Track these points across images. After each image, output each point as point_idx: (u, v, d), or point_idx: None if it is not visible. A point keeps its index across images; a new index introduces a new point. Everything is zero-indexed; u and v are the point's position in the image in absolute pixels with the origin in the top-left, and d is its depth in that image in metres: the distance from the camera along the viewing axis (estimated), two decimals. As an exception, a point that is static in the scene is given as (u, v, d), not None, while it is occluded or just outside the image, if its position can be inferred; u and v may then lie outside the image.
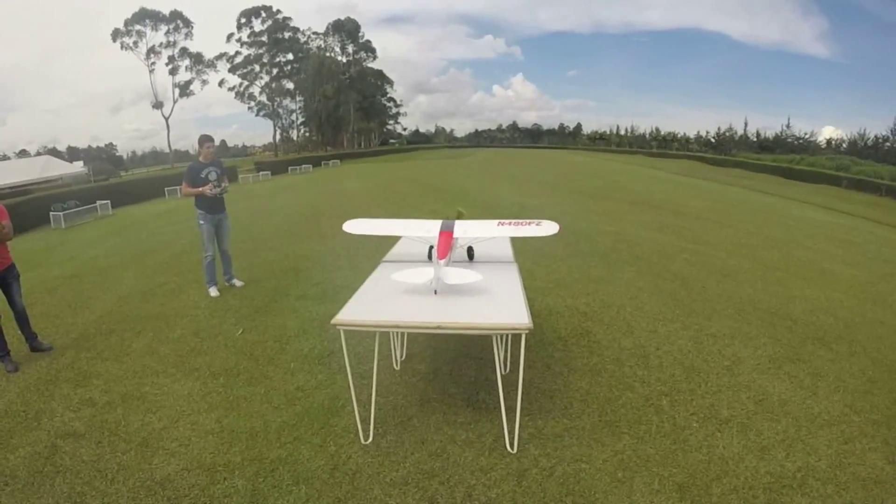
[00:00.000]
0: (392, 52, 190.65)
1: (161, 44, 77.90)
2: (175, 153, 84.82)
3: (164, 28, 77.68)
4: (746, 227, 13.74)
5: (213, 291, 7.46)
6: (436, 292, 3.66)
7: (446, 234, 4.28)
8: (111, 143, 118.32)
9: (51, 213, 20.57)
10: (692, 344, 5.36)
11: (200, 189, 7.07)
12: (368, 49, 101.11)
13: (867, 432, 3.90)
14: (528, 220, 4.77)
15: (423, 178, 28.92)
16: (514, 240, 5.20)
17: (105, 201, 23.76)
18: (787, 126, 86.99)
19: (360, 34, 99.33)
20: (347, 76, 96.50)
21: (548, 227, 4.62)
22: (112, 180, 41.89)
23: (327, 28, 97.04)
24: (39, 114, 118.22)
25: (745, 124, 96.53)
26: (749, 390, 4.43)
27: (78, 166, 54.24)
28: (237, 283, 7.83)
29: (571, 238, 10.71)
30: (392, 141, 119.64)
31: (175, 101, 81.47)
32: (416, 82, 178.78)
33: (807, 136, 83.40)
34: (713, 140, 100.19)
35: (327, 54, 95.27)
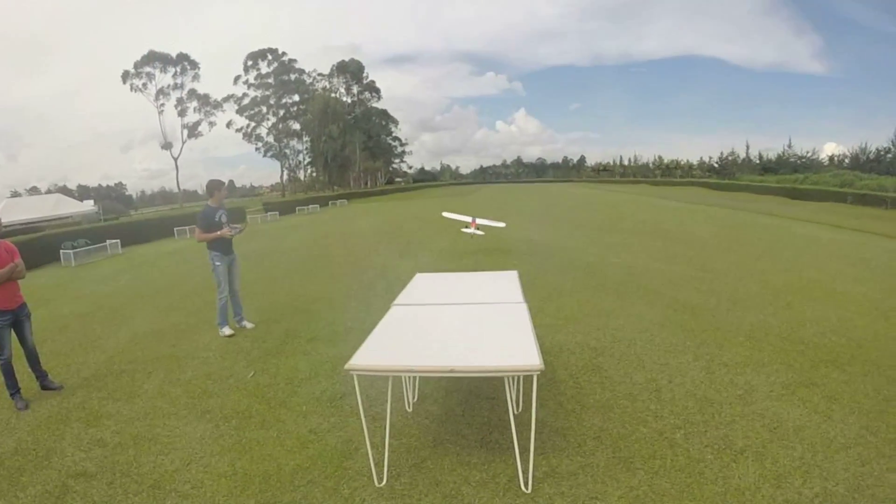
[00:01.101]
0: (396, 91, 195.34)
1: (169, 85, 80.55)
2: (184, 193, 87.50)
3: (172, 70, 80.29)
4: (754, 252, 13.77)
5: (227, 331, 7.60)
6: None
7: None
8: (121, 183, 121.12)
9: (61, 251, 20.95)
10: (704, 374, 5.39)
11: (219, 233, 7.40)
12: (373, 89, 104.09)
13: (885, 453, 3.90)
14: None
15: (429, 217, 29.16)
16: (524, 277, 5.30)
17: (115, 240, 24.12)
18: (789, 146, 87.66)
19: (365, 75, 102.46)
20: (353, 116, 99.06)
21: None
22: (122, 219, 42.43)
23: (332, 69, 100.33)
24: (51, 151, 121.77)
25: (747, 147, 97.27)
26: (763, 418, 4.45)
27: (88, 205, 56.04)
28: (248, 324, 7.95)
29: (580, 272, 10.80)
30: (398, 179, 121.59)
31: (184, 142, 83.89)
32: (420, 121, 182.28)
33: (809, 155, 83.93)
34: (716, 165, 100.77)
35: (332, 95, 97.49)
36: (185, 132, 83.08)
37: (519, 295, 4.90)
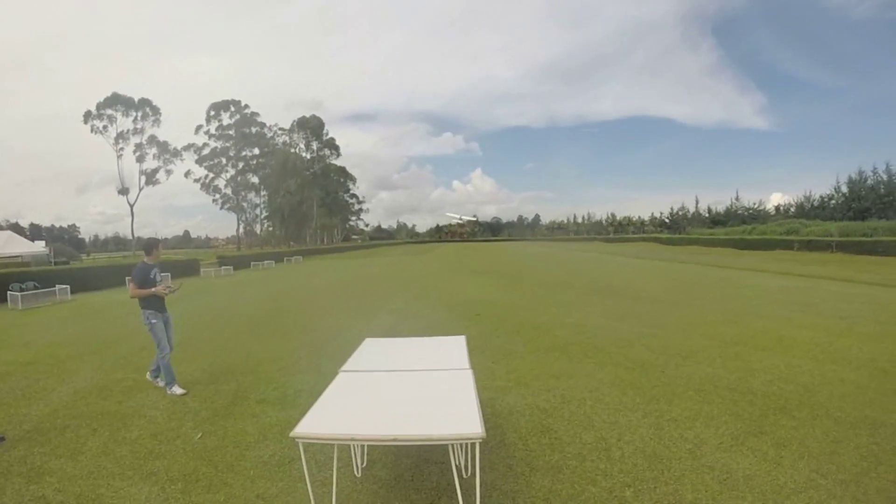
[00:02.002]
0: (355, 148, 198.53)
1: (130, 130, 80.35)
2: (138, 241, 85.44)
3: (133, 114, 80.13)
4: (703, 305, 14.20)
5: (178, 390, 7.51)
6: None
7: None
8: (74, 225, 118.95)
9: (9, 291, 20.54)
10: (653, 431, 5.45)
11: (154, 290, 7.54)
12: (332, 146, 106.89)
13: (836, 493, 4.02)
14: None
15: (384, 276, 29.64)
16: (476, 339, 5.38)
17: (65, 286, 23.63)
18: (737, 198, 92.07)
19: (325, 131, 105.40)
20: (311, 172, 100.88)
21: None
22: (73, 264, 41.47)
23: (293, 125, 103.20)
24: (5, 186, 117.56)
25: (697, 201, 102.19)
26: (713, 471, 4.51)
27: (40, 246, 54.71)
28: (161, 383, 7.87)
29: (531, 333, 10.88)
30: (354, 237, 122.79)
31: (141, 188, 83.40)
32: (378, 178, 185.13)
33: (756, 206, 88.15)
34: (668, 220, 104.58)
35: (292, 150, 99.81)
36: (143, 178, 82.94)
37: (465, 361, 5.01)
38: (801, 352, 8.67)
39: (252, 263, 51.99)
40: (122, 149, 79.71)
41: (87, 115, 77.28)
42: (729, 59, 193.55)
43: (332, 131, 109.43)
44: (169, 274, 25.65)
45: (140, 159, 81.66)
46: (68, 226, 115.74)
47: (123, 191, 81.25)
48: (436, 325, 12.11)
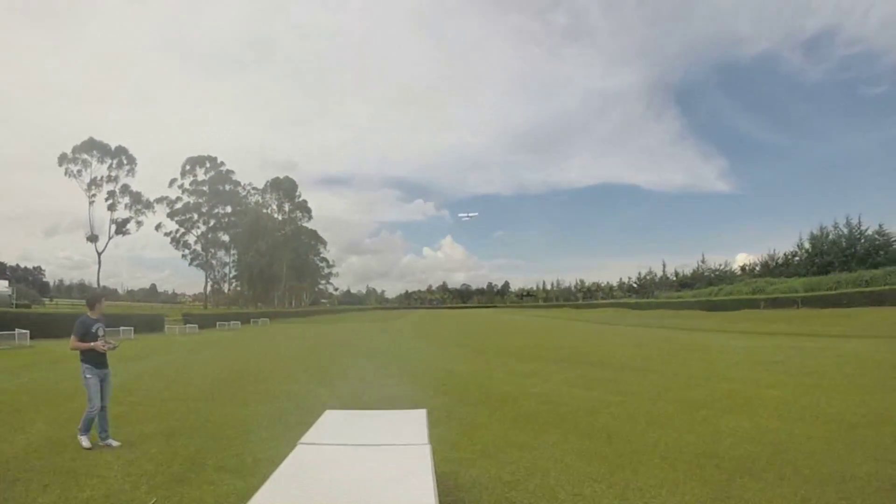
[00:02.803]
0: (327, 212, 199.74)
1: (104, 177, 79.72)
2: (103, 289, 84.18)
3: (108, 162, 79.71)
4: (670, 370, 14.31)
5: (86, 442, 7.46)
6: None
7: None
8: (39, 267, 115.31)
9: None
10: (619, 501, 5.36)
11: (93, 345, 7.59)
12: (304, 209, 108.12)
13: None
14: None
15: (351, 343, 29.51)
16: (440, 409, 5.32)
17: (25, 331, 23.15)
18: (703, 261, 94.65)
19: (298, 193, 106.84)
20: (282, 234, 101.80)
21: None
22: (35, 307, 40.13)
23: (266, 185, 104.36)
24: None
25: (664, 265, 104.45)
26: (678, 541, 4.43)
27: (3, 286, 53.76)
28: (113, 443, 7.70)
29: (497, 403, 10.77)
30: (323, 301, 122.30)
31: (110, 237, 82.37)
32: (349, 243, 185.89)
33: (722, 267, 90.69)
34: (636, 285, 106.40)
35: (264, 210, 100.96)
36: (113, 227, 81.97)
37: (425, 437, 4.95)
38: (768, 411, 8.74)
39: (218, 323, 51.75)
40: (94, 195, 79.25)
41: (62, 158, 76.93)
42: (692, 127, 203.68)
43: (304, 193, 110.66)
44: (132, 328, 24.87)
45: (112, 208, 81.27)
46: (33, 267, 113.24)
47: (92, 238, 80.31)
48: (400, 395, 11.91)
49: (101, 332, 7.80)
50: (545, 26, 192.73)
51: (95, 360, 7.68)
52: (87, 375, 7.56)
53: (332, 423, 5.59)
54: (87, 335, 7.63)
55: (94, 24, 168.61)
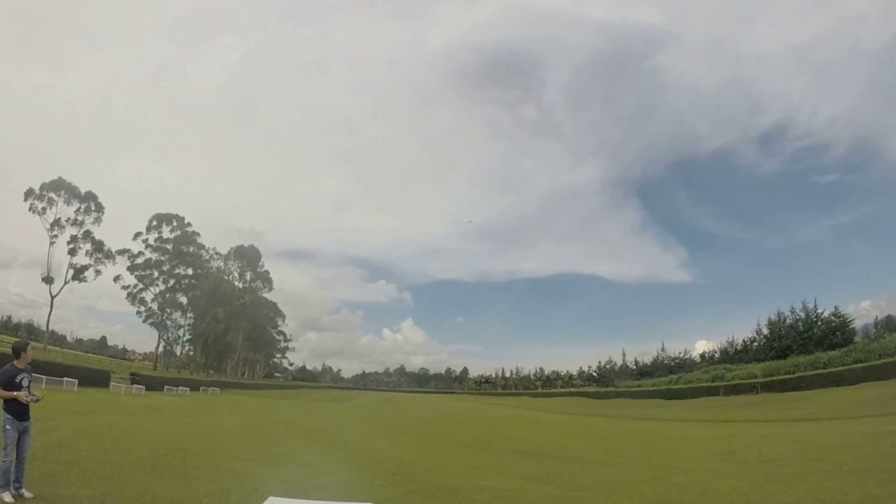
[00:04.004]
0: (288, 285, 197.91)
1: (69, 220, 76.41)
2: (52, 334, 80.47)
3: (76, 205, 76.68)
4: (627, 463, 14.08)
5: (7, 497, 7.18)
6: None
7: None
8: None
9: None
10: None
11: (16, 394, 7.30)
12: (265, 279, 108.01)
13: None
14: None
15: (301, 423, 29.02)
16: (387, 501, 5.11)
17: None
18: (662, 349, 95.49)
19: (260, 264, 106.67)
20: (241, 303, 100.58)
21: None
22: None
23: (230, 252, 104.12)
24: None
25: (624, 354, 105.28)
26: None
27: None
28: (27, 493, 7.46)
29: (446, 497, 10.36)
30: (277, 375, 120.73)
31: (66, 282, 78.42)
32: (307, 319, 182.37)
33: (682, 355, 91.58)
34: (595, 374, 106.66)
35: (226, 277, 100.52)
36: (71, 273, 78.09)
37: None
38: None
39: (166, 387, 50.41)
40: (55, 236, 75.97)
41: (28, 193, 74.03)
42: (652, 218, 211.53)
43: (267, 264, 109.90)
44: (76, 381, 23.18)
45: (72, 252, 77.88)
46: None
47: (48, 279, 76.66)
48: (348, 483, 11.38)
49: (25, 383, 7.51)
50: (515, 120, 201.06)
51: (17, 410, 7.36)
52: (7, 427, 7.26)
53: None
54: (10, 384, 7.32)
55: (81, 62, 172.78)
